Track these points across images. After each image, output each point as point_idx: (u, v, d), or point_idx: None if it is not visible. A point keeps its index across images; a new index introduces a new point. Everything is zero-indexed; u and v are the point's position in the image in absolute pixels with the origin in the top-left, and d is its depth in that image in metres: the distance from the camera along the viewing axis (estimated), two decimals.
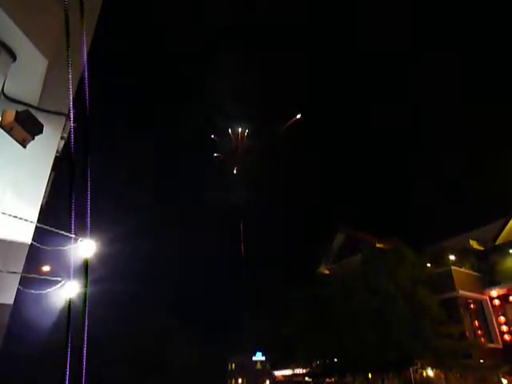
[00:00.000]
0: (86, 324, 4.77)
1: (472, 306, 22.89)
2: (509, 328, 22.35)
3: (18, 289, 6.43)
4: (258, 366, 53.40)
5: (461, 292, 21.94)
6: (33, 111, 4.97)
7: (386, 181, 65.03)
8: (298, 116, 38.19)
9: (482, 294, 23.49)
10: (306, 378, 27.92)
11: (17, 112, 4.32)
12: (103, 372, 31.88)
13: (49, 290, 6.02)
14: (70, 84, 5.23)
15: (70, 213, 5.49)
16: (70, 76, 5.10)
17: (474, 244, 26.11)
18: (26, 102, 5.45)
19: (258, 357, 53.36)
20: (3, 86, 5.12)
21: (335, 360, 23.03)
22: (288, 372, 31.38)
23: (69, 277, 5.96)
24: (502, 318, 22.70)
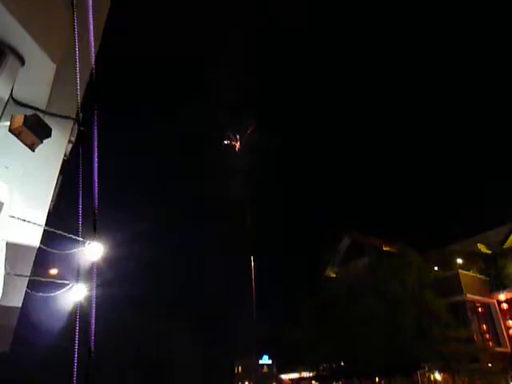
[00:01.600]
0: (93, 326, 4.80)
1: (480, 309, 22.70)
2: None
3: (26, 292, 6.46)
4: (265, 369, 53.22)
5: (468, 296, 21.78)
6: (41, 115, 5.01)
7: (393, 184, 64.80)
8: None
9: (490, 297, 23.30)
10: (313, 382, 27.80)
11: (25, 116, 4.36)
12: (109, 376, 31.92)
13: (57, 293, 6.05)
14: (78, 88, 5.28)
15: (78, 216, 5.52)
16: (78, 81, 5.15)
17: (481, 247, 25.89)
18: (35, 106, 5.50)
19: (265, 360, 53.19)
20: (12, 91, 5.17)
21: (342, 363, 22.91)
22: (295, 375, 31.26)
23: (76, 280, 5.99)
24: (511, 322, 22.49)
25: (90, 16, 5.65)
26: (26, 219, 5.51)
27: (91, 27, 5.65)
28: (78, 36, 5.40)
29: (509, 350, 21.85)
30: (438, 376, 20.32)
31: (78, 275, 5.95)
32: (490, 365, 19.87)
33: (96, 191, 5.96)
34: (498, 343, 22.07)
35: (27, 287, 6.41)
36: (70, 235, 5.73)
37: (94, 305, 5.14)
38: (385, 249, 25.01)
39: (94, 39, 5.62)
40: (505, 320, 22.72)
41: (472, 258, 24.88)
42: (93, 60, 5.79)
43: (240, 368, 57.37)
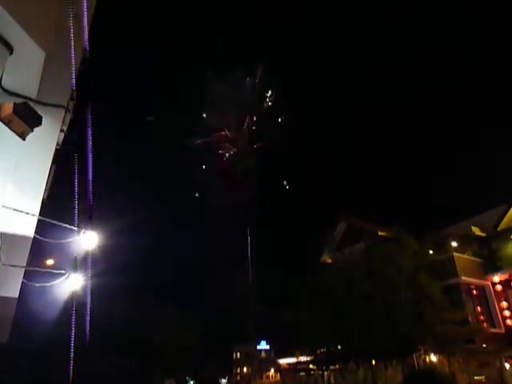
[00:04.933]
0: (88, 314, 4.82)
1: (474, 291, 22.98)
2: (511, 313, 22.47)
3: (22, 282, 6.46)
4: (263, 354, 53.93)
5: (463, 278, 22.01)
6: (32, 104, 4.94)
7: (387, 168, 64.95)
8: None
9: (485, 279, 23.57)
10: (311, 366, 28.17)
11: (15, 104, 4.30)
12: (107, 363, 32.13)
13: (53, 282, 6.05)
14: (73, 74, 5.20)
15: (74, 205, 5.50)
16: (73, 66, 5.07)
17: (476, 230, 26.11)
18: (25, 94, 5.42)
19: (263, 345, 53.85)
20: (1, 79, 5.09)
21: (339, 347, 23.18)
22: (292, 360, 31.66)
23: (73, 269, 5.98)
24: (505, 303, 22.81)
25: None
26: (20, 209, 5.48)
27: (85, 11, 5.56)
28: (69, 22, 5.32)
29: (503, 330, 22.19)
30: (433, 358, 20.64)
31: (74, 264, 5.95)
32: (484, 345, 20.20)
33: (90, 180, 5.93)
34: (493, 324, 22.40)
35: (24, 277, 6.41)
36: (65, 225, 5.71)
37: (88, 293, 5.15)
38: (380, 234, 25.14)
39: (85, 24, 5.53)
40: (499, 301, 23.03)
41: (467, 241, 25.11)
42: (85, 46, 5.70)
43: (238, 354, 58.08)
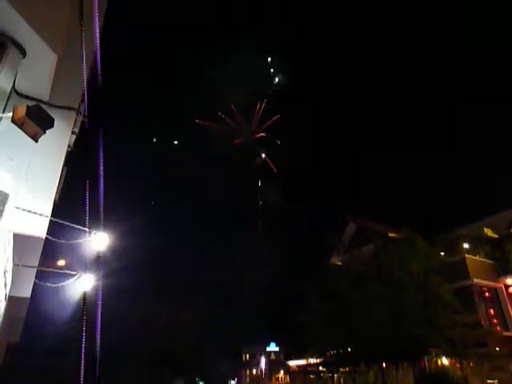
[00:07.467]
0: (99, 315, 4.84)
1: (487, 294, 22.65)
2: None
3: (34, 282, 6.53)
4: (272, 356, 53.81)
5: (475, 280, 21.72)
6: (44, 107, 5.00)
7: (398, 169, 64.46)
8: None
9: (497, 281, 23.22)
10: (320, 368, 28.03)
11: (27, 107, 4.35)
12: (116, 363, 32.27)
13: (65, 283, 6.10)
14: (85, 77, 5.26)
15: (85, 207, 5.54)
16: (84, 69, 5.13)
17: (488, 232, 25.77)
18: (37, 97, 5.50)
19: (272, 347, 53.73)
20: (14, 82, 5.16)
21: (349, 350, 23.04)
22: (302, 362, 31.53)
23: (84, 270, 6.03)
24: None
25: (96, 4, 5.62)
26: (32, 210, 5.54)
27: (96, 14, 5.61)
28: (80, 25, 5.38)
29: None
30: (445, 361, 20.40)
31: (85, 265, 5.99)
32: (497, 349, 19.90)
33: (102, 182, 5.98)
34: (506, 327, 22.05)
35: (35, 278, 6.48)
36: (77, 226, 5.76)
37: (100, 293, 5.18)
38: (391, 235, 24.93)
39: (95, 28, 5.59)
40: None
41: (479, 243, 24.79)
42: (96, 48, 5.76)
43: (248, 355, 58.03)
